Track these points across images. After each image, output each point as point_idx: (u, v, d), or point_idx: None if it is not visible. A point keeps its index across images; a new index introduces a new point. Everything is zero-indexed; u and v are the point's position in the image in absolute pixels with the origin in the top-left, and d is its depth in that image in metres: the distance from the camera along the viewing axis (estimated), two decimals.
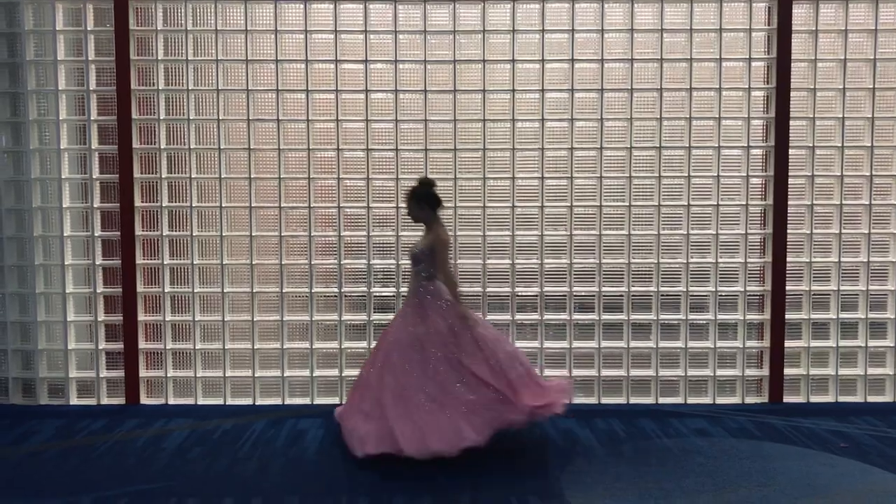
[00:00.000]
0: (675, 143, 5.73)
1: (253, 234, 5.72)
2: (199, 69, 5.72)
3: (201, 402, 5.77)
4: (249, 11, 5.64)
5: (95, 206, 5.71)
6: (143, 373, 5.76)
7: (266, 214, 5.75)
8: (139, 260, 5.72)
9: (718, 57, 5.67)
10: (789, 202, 5.71)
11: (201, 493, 4.12)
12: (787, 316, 5.77)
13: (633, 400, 5.79)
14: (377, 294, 5.79)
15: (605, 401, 5.79)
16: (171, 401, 5.77)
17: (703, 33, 5.69)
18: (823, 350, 5.84)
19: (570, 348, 5.77)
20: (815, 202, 5.76)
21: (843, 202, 5.75)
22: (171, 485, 4.22)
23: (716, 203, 5.73)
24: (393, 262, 5.75)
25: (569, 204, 5.73)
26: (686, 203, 5.73)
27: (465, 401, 4.46)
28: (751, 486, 4.17)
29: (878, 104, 5.73)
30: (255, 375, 5.76)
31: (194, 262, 5.74)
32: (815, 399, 5.82)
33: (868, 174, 5.75)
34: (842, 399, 5.82)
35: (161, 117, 5.68)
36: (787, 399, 5.79)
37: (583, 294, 5.81)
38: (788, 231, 5.73)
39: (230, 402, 5.76)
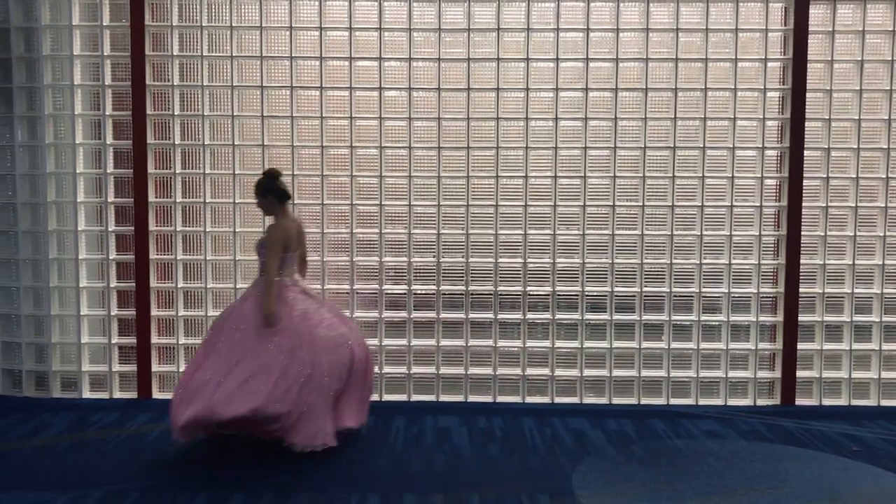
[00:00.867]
0: (689, 144, 5.71)
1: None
2: (214, 65, 5.74)
3: None
4: (264, 7, 5.65)
5: (110, 200, 5.74)
6: (155, 367, 5.78)
7: None
8: (152, 255, 5.75)
9: (734, 57, 5.64)
10: (804, 204, 5.68)
11: (212, 487, 4.13)
12: (800, 318, 5.74)
13: (645, 401, 5.78)
14: (388, 291, 5.79)
15: (616, 401, 5.77)
16: None
17: (718, 33, 5.67)
18: (836, 353, 5.81)
19: (581, 348, 5.76)
20: (829, 204, 5.73)
21: (859, 204, 5.72)
22: (182, 479, 4.24)
23: (730, 204, 5.71)
24: (405, 259, 5.74)
25: (582, 203, 5.72)
26: (700, 204, 5.71)
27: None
28: (762, 488, 4.15)
29: (895, 105, 5.69)
30: None
31: (207, 258, 5.75)
32: (827, 402, 5.78)
33: (884, 176, 5.71)
34: (855, 402, 5.78)
35: (175, 113, 5.70)
36: (799, 402, 5.76)
37: (595, 294, 5.80)
38: (802, 233, 5.69)
39: None
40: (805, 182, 5.67)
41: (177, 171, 5.73)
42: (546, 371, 5.79)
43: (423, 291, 5.79)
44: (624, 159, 5.73)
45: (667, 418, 5.40)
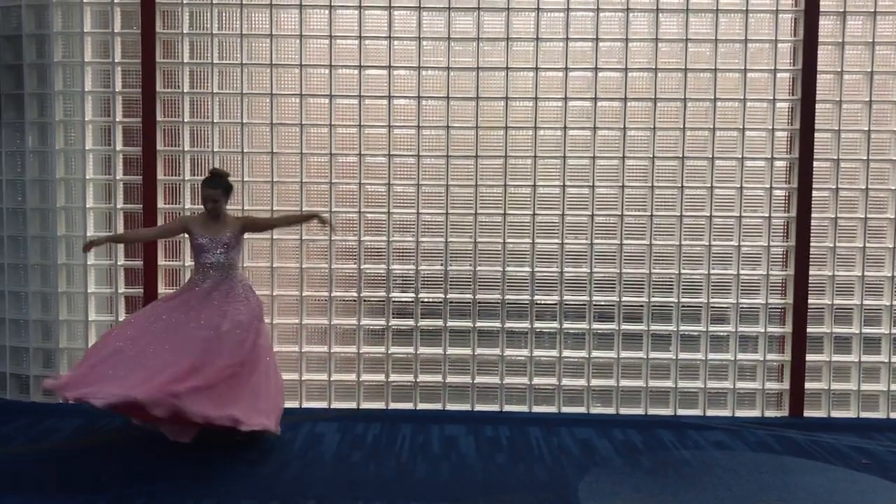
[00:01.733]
0: (698, 154, 5.70)
1: (274, 237, 5.74)
2: (224, 73, 5.76)
3: None
4: (274, 16, 5.68)
5: (119, 207, 5.76)
6: None
7: None
8: (161, 261, 5.76)
9: (743, 68, 5.64)
10: (813, 215, 5.66)
11: (218, 493, 4.13)
12: (808, 330, 5.71)
13: (652, 411, 5.76)
14: (396, 299, 5.79)
15: (623, 411, 5.75)
16: None
17: (728, 44, 5.67)
18: (845, 365, 5.78)
19: (588, 358, 5.75)
20: (839, 215, 5.71)
21: (868, 215, 5.70)
22: (188, 485, 4.23)
23: (738, 214, 5.70)
24: (413, 267, 5.75)
25: (590, 213, 5.72)
26: (709, 214, 5.70)
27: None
28: (770, 500, 4.13)
29: None
30: None
31: None
32: (836, 414, 5.75)
33: (894, 187, 5.69)
34: (864, 415, 5.75)
35: (185, 120, 5.72)
36: (807, 413, 5.73)
37: (602, 304, 5.78)
38: (812, 244, 5.68)
39: None
40: (814, 193, 5.66)
41: (186, 178, 5.75)
42: (553, 380, 5.77)
43: (431, 300, 5.79)
44: (632, 169, 5.72)
45: (674, 429, 5.38)
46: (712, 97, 5.66)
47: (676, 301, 5.74)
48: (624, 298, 5.76)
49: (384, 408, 5.75)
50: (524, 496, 4.16)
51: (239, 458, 4.63)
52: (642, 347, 5.77)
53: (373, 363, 5.81)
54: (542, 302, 5.78)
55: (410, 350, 5.78)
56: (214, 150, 5.73)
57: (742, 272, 5.73)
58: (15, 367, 5.86)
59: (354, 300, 5.78)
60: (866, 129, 5.67)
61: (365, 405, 5.75)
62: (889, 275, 5.72)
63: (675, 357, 5.75)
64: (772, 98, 5.65)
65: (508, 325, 5.77)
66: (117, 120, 5.72)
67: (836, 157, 5.68)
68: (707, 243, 5.72)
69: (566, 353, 5.77)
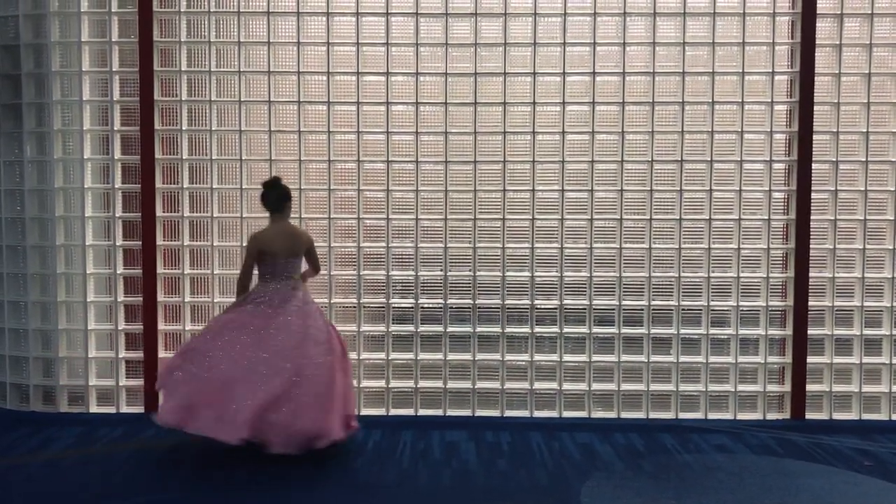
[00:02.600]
0: (696, 157, 5.70)
1: None
2: (222, 80, 5.77)
3: None
4: (272, 23, 5.68)
5: (117, 215, 5.76)
6: None
7: None
8: (160, 269, 5.75)
9: (741, 70, 5.64)
10: (812, 217, 5.66)
11: (220, 502, 4.11)
12: (809, 332, 5.71)
13: (653, 415, 5.75)
14: (396, 305, 5.79)
15: (624, 415, 5.74)
16: None
17: (725, 46, 5.67)
18: (846, 366, 5.77)
19: (589, 362, 5.74)
20: (838, 217, 5.70)
21: (867, 217, 5.70)
22: (189, 495, 4.22)
23: (738, 217, 5.69)
24: (412, 273, 5.74)
25: (589, 217, 5.72)
26: (708, 217, 5.70)
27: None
28: (772, 503, 4.12)
29: None
30: None
31: (215, 272, 5.76)
32: (837, 416, 5.74)
33: (892, 189, 5.69)
34: (865, 417, 5.74)
35: (183, 128, 5.72)
36: (809, 416, 5.72)
37: (602, 307, 5.78)
38: (811, 246, 5.67)
39: None
40: (813, 195, 5.66)
41: (184, 186, 5.75)
42: (554, 385, 5.77)
43: (431, 305, 5.78)
44: (631, 173, 5.72)
45: (676, 433, 5.37)
46: (710, 100, 5.66)
47: (677, 304, 5.73)
48: (624, 302, 5.75)
49: (385, 414, 5.74)
50: (526, 501, 4.15)
51: (239, 467, 4.62)
52: (643, 351, 5.76)
53: (373, 369, 5.80)
54: (542, 306, 5.77)
55: (410, 356, 5.77)
56: (213, 157, 5.73)
57: (742, 275, 5.72)
58: (15, 376, 5.85)
59: (354, 306, 5.78)
60: (865, 130, 5.67)
61: (365, 412, 5.73)
62: (889, 276, 5.71)
63: (675, 360, 5.74)
64: (770, 101, 5.65)
65: (508, 329, 5.76)
66: (115, 129, 5.72)
67: (834, 160, 5.68)
68: (707, 246, 5.71)
69: (567, 357, 5.77)
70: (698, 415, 5.74)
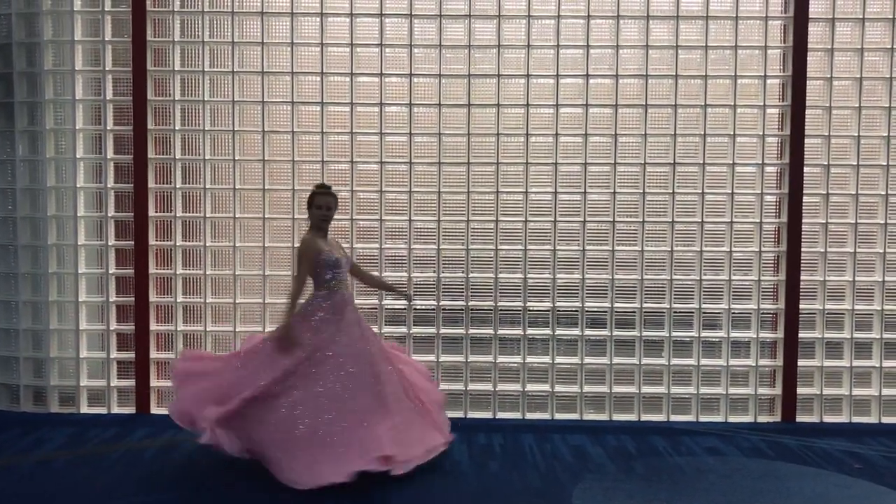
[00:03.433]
0: (689, 160, 5.72)
1: (266, 245, 5.73)
2: (215, 80, 5.76)
3: None
4: (266, 24, 5.68)
5: (110, 215, 5.74)
6: (153, 382, 5.77)
7: (279, 226, 5.77)
8: (152, 269, 5.74)
9: (733, 74, 5.66)
10: (803, 220, 5.68)
11: (210, 503, 4.12)
12: (800, 335, 5.73)
13: (645, 417, 5.76)
14: (388, 306, 5.78)
15: (616, 417, 5.75)
16: None
17: (718, 50, 5.69)
18: (837, 370, 5.79)
19: (581, 364, 5.75)
20: (829, 220, 5.73)
21: (858, 221, 5.72)
22: (180, 495, 4.21)
23: (730, 220, 5.71)
24: (405, 274, 5.74)
25: (582, 219, 5.73)
26: (700, 220, 5.72)
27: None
28: None
29: (894, 123, 5.70)
30: None
31: (207, 273, 5.75)
32: (828, 419, 5.76)
33: (883, 193, 5.72)
34: (856, 420, 5.76)
35: (176, 128, 5.71)
36: (800, 419, 5.74)
37: (595, 310, 5.79)
38: (802, 249, 5.70)
39: None
40: (805, 198, 5.68)
41: (177, 186, 5.74)
42: (546, 387, 5.77)
43: (423, 307, 5.78)
44: (624, 175, 5.74)
45: (667, 435, 5.38)
46: (703, 103, 5.68)
47: (668, 307, 5.75)
48: (616, 304, 5.76)
49: None
50: (518, 503, 4.15)
51: (230, 469, 4.61)
52: (635, 353, 5.77)
53: None
54: (535, 308, 5.78)
55: None
56: (206, 157, 5.72)
57: (734, 277, 5.74)
58: (5, 376, 5.82)
59: None
60: (856, 134, 5.70)
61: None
62: (879, 280, 5.74)
63: (667, 363, 5.75)
64: (762, 104, 5.68)
65: (501, 331, 5.77)
66: (108, 128, 5.71)
67: (826, 163, 5.71)
68: (699, 249, 5.73)
69: (559, 359, 5.77)
70: (690, 417, 5.75)
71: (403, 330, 5.76)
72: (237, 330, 5.75)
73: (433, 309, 5.77)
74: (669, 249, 5.73)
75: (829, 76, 5.68)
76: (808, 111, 5.66)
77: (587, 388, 5.77)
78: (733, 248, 5.73)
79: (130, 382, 5.76)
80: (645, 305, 5.76)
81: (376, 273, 5.45)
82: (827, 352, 5.78)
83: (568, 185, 5.74)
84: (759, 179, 5.72)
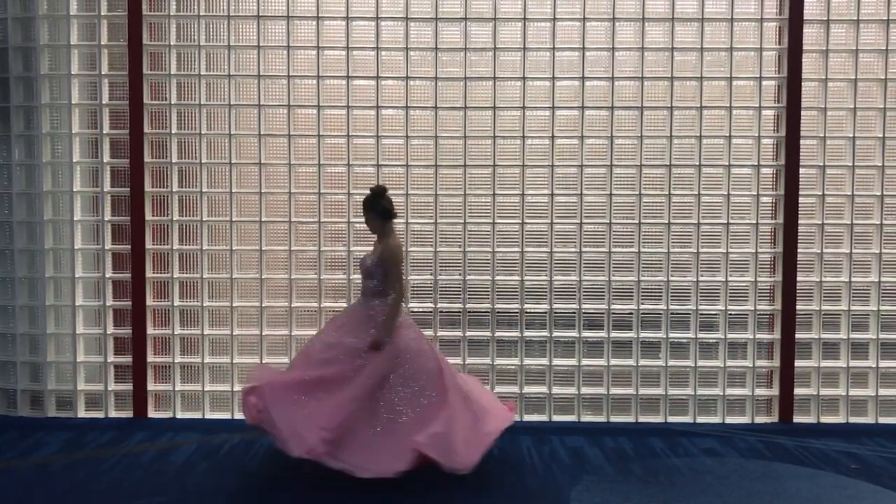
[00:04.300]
0: (685, 162, 5.73)
1: (263, 248, 5.74)
2: (212, 84, 5.76)
3: (209, 416, 5.76)
4: (262, 27, 5.68)
5: (106, 219, 5.74)
6: (150, 386, 5.76)
7: (276, 229, 5.77)
8: (149, 273, 5.74)
9: (729, 76, 5.68)
10: (800, 221, 5.70)
11: None
12: (797, 335, 5.74)
13: (642, 418, 5.76)
14: None
15: (613, 419, 5.75)
16: (179, 415, 5.76)
17: (713, 52, 5.70)
18: (834, 370, 5.80)
19: (578, 366, 5.75)
20: (825, 221, 5.74)
21: (854, 222, 5.73)
22: (177, 499, 4.21)
23: (726, 222, 5.72)
24: None
25: (578, 221, 5.73)
26: (696, 221, 5.73)
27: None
28: None
29: (889, 124, 5.72)
30: None
31: (204, 276, 5.75)
32: (825, 419, 5.77)
33: (879, 194, 5.73)
34: (852, 420, 5.77)
35: (173, 132, 5.71)
36: (797, 419, 5.75)
37: (592, 311, 5.79)
38: (799, 250, 5.71)
39: (238, 416, 5.74)
40: (801, 199, 5.69)
41: (174, 190, 5.73)
42: (543, 389, 5.78)
43: (420, 309, 5.78)
44: (620, 177, 5.75)
45: (665, 436, 5.38)
46: (698, 105, 5.70)
47: (665, 308, 5.76)
48: (613, 306, 5.77)
49: None
50: None
51: (227, 472, 4.61)
52: (632, 355, 5.78)
53: None
54: (532, 310, 5.79)
55: None
56: (202, 161, 5.72)
57: (730, 279, 5.75)
58: (2, 381, 5.81)
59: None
60: (851, 135, 5.71)
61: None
62: (875, 280, 5.75)
63: (664, 364, 5.76)
64: (758, 106, 5.69)
65: (498, 333, 5.77)
66: (104, 132, 5.71)
67: (821, 164, 5.72)
68: (695, 250, 5.74)
69: (556, 361, 5.78)
70: (687, 418, 5.76)
71: None
72: (234, 333, 5.74)
73: (430, 312, 5.77)
74: (666, 251, 5.74)
75: (824, 78, 5.69)
76: (803, 112, 5.67)
77: (584, 390, 5.77)
78: (730, 250, 5.74)
79: (128, 386, 5.76)
80: (642, 307, 5.77)
81: None
82: (823, 352, 5.79)
83: (564, 188, 5.75)
84: (755, 181, 5.73)
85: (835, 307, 5.80)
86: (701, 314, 5.77)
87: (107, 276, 5.75)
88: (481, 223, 5.75)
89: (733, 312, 5.78)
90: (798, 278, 5.71)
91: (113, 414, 5.78)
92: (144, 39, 5.64)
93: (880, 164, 5.73)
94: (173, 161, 5.73)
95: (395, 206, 4.77)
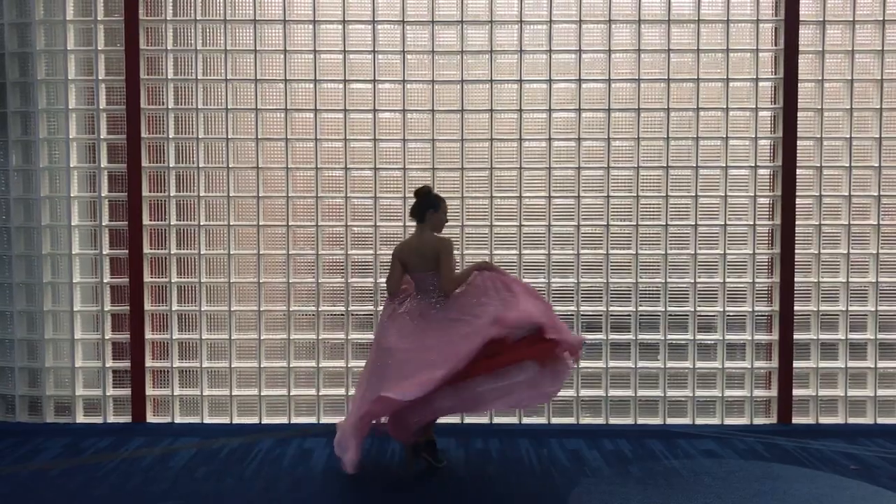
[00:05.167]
0: (682, 163, 5.74)
1: (260, 252, 5.74)
2: (209, 88, 5.76)
3: (207, 420, 5.76)
4: (258, 31, 5.68)
5: (104, 224, 5.74)
6: (149, 391, 5.76)
7: (274, 233, 5.77)
8: (147, 278, 5.73)
9: (726, 77, 5.68)
10: (797, 222, 5.70)
11: None
12: (795, 336, 5.74)
13: (641, 420, 5.76)
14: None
15: (612, 421, 5.75)
16: (178, 419, 5.76)
17: (710, 53, 5.71)
18: (832, 371, 5.80)
19: (577, 368, 5.75)
20: (822, 222, 5.74)
21: (851, 222, 5.74)
22: None
23: (723, 223, 5.73)
24: None
25: (576, 223, 5.73)
26: (693, 223, 5.73)
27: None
28: None
29: (886, 124, 5.73)
30: (262, 394, 5.75)
31: (202, 281, 5.75)
32: (824, 420, 5.77)
33: (876, 194, 5.73)
34: (851, 420, 5.77)
35: (170, 136, 5.71)
36: (795, 420, 5.75)
37: (590, 314, 5.79)
38: (796, 251, 5.71)
39: (236, 420, 5.75)
40: (798, 200, 5.70)
41: (171, 194, 5.73)
42: None
43: None
44: (617, 179, 5.75)
45: (664, 438, 5.38)
46: (695, 106, 5.70)
47: (663, 310, 5.76)
48: (611, 308, 5.77)
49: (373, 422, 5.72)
50: None
51: (226, 476, 4.61)
52: (630, 357, 5.78)
53: None
54: None
55: None
56: (200, 165, 5.72)
57: (728, 280, 5.75)
58: (1, 387, 5.81)
59: (342, 314, 5.77)
60: (848, 136, 5.72)
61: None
62: (873, 280, 5.75)
63: (663, 366, 5.76)
64: (754, 107, 5.70)
65: None
66: (102, 137, 5.71)
67: (818, 165, 5.73)
68: (693, 252, 5.74)
69: None
70: (686, 420, 5.76)
71: None
72: (232, 338, 5.74)
73: None
74: (663, 252, 5.74)
75: (820, 78, 5.70)
76: (799, 113, 5.68)
77: (583, 393, 5.77)
78: (727, 251, 5.75)
79: (126, 391, 5.75)
80: (640, 309, 5.77)
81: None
82: (822, 353, 5.79)
83: (561, 190, 5.75)
84: (752, 182, 5.73)
85: (833, 308, 5.80)
86: (699, 316, 5.78)
87: (104, 280, 5.75)
88: (478, 226, 5.75)
89: (731, 314, 5.78)
90: (796, 279, 5.72)
91: (111, 419, 5.77)
92: (141, 44, 5.65)
93: (877, 165, 5.73)
94: (170, 165, 5.73)
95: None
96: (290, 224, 5.71)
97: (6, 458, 4.96)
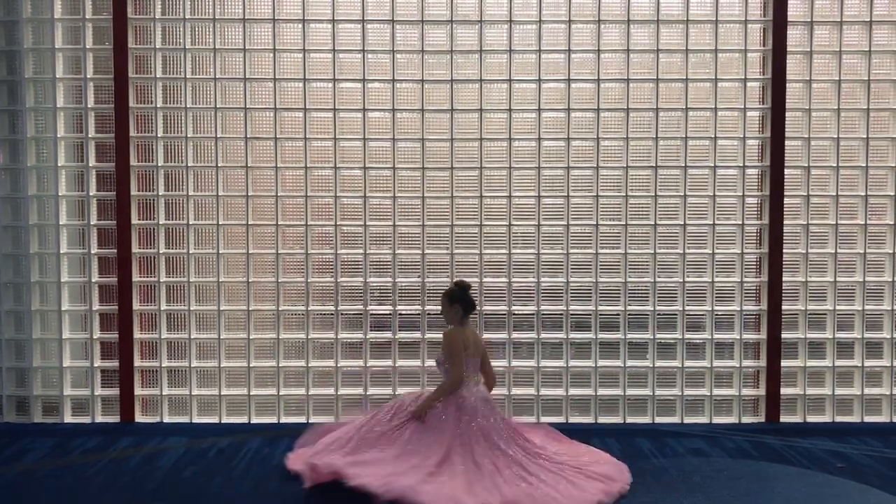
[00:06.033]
0: (671, 163, 5.75)
1: (250, 251, 5.72)
2: (197, 87, 5.74)
3: (196, 420, 5.74)
4: (248, 30, 5.67)
5: (92, 223, 5.71)
6: (138, 391, 5.74)
7: (263, 232, 5.76)
8: (135, 277, 5.71)
9: (714, 77, 5.70)
10: (785, 222, 5.73)
11: None
12: (783, 335, 5.77)
13: (630, 419, 5.78)
14: (373, 312, 5.78)
15: (601, 420, 5.77)
16: (166, 419, 5.74)
17: (698, 53, 5.73)
18: (820, 370, 5.83)
19: (566, 367, 5.76)
20: (810, 222, 5.77)
21: (839, 222, 5.77)
22: None
23: (712, 222, 5.75)
24: (389, 279, 5.74)
25: (565, 223, 5.74)
26: (682, 222, 5.75)
27: None
28: None
29: (873, 125, 5.76)
30: (251, 394, 5.74)
31: (190, 280, 5.73)
32: (811, 419, 5.80)
33: (863, 194, 5.77)
34: (839, 419, 5.80)
35: (159, 135, 5.69)
36: (783, 419, 5.78)
37: (579, 313, 5.81)
38: (784, 250, 5.74)
39: (225, 420, 5.74)
40: (786, 200, 5.72)
41: (160, 194, 5.72)
42: (531, 391, 5.78)
43: (408, 312, 5.78)
44: (606, 178, 5.76)
45: (652, 437, 5.40)
46: (684, 106, 5.72)
47: (652, 309, 5.78)
48: (600, 307, 5.78)
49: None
50: None
51: (215, 476, 4.60)
52: (619, 356, 5.79)
53: (351, 377, 5.78)
54: (520, 312, 5.79)
55: (389, 363, 5.77)
56: (189, 164, 5.70)
57: (716, 279, 5.78)
58: None
59: (331, 314, 5.76)
60: (836, 136, 5.75)
61: (344, 419, 5.70)
62: (860, 280, 5.79)
63: (652, 365, 5.78)
64: (743, 107, 5.72)
65: (486, 335, 5.76)
66: (90, 136, 5.68)
67: (806, 165, 5.76)
68: (681, 251, 5.76)
69: (544, 362, 5.78)
70: (675, 419, 5.78)
71: (389, 335, 5.76)
72: (221, 337, 5.72)
73: (418, 314, 5.77)
74: (652, 252, 5.76)
75: (808, 79, 5.73)
76: (788, 114, 5.70)
77: (572, 392, 5.79)
78: (716, 251, 5.77)
79: (114, 391, 5.73)
80: (629, 308, 5.79)
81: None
82: (809, 352, 5.82)
83: (551, 189, 5.76)
84: (741, 181, 5.76)
85: (820, 307, 5.83)
86: (687, 315, 5.80)
87: (93, 280, 5.72)
88: (468, 225, 5.76)
89: (720, 313, 5.81)
90: (784, 278, 5.74)
91: (100, 419, 5.75)
92: (130, 43, 5.62)
93: (864, 165, 5.76)
94: (159, 164, 5.71)
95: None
96: (279, 223, 5.70)
97: None
